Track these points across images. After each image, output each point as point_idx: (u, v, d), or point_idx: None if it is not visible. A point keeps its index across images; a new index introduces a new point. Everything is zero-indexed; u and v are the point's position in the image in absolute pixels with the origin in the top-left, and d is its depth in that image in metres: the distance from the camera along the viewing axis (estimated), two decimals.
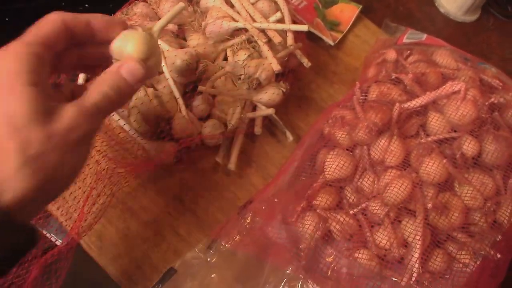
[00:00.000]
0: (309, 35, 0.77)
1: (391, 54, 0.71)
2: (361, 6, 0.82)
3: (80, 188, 0.59)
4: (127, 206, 0.62)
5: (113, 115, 0.65)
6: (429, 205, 0.58)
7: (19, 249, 0.36)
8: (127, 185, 0.62)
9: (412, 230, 0.58)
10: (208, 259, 0.53)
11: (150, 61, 0.42)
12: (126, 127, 0.64)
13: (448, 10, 0.90)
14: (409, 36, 0.75)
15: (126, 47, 0.42)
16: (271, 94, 0.65)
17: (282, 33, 0.67)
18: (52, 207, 0.60)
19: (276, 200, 0.58)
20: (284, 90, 0.65)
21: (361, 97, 0.65)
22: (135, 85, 0.41)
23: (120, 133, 0.63)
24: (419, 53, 0.71)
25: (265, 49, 0.64)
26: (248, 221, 0.56)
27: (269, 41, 0.66)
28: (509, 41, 0.90)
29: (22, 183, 0.33)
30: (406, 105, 0.64)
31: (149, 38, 0.43)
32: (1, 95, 0.34)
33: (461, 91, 0.62)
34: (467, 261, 0.61)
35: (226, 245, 0.54)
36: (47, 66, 0.38)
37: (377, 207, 0.60)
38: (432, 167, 0.59)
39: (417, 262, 0.57)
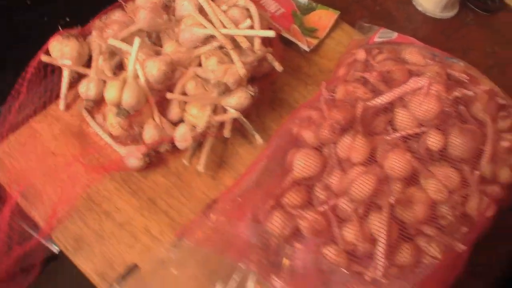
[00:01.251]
0: (285, 40, 0.79)
1: (361, 54, 0.72)
2: (339, 12, 0.83)
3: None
4: (103, 209, 0.65)
5: (90, 120, 0.68)
6: (392, 199, 0.59)
7: None
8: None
9: (378, 224, 0.59)
10: (171, 256, 0.55)
11: None
12: (100, 132, 0.67)
13: (425, 8, 0.91)
14: (380, 35, 0.76)
15: None
16: (239, 97, 0.67)
17: (253, 39, 0.69)
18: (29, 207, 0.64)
19: (240, 199, 0.60)
20: (253, 94, 0.67)
21: (329, 97, 0.67)
22: None
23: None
24: (389, 51, 0.71)
25: (232, 54, 0.66)
26: (212, 220, 0.58)
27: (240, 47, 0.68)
28: (489, 35, 0.90)
29: None
30: (371, 103, 0.65)
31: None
32: None
33: (424, 87, 0.63)
34: (436, 254, 0.62)
35: (190, 243, 0.56)
36: None
37: (345, 204, 0.62)
38: (395, 162, 0.60)
39: (382, 256, 0.58)
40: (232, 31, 0.67)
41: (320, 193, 0.64)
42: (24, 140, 0.68)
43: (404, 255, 0.59)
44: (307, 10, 0.82)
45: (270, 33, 0.66)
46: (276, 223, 0.60)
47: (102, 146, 0.68)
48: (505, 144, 0.63)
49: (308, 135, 0.64)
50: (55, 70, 0.70)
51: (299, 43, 0.78)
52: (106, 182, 0.66)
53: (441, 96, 0.62)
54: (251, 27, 0.69)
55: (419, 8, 0.91)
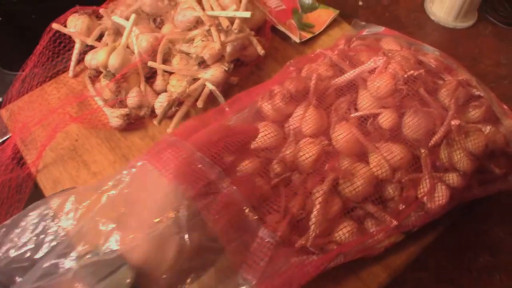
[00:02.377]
0: (282, 34, 0.84)
1: (340, 42, 0.74)
2: (338, 12, 0.86)
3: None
4: (83, 159, 0.73)
5: (89, 85, 0.78)
6: (330, 175, 0.59)
7: None
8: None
9: (317, 195, 0.59)
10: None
11: None
12: (94, 94, 0.76)
13: (438, 17, 0.90)
14: (368, 30, 0.78)
15: None
16: (213, 71, 0.72)
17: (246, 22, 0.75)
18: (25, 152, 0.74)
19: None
20: (226, 69, 0.72)
21: (293, 73, 0.69)
22: None
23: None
24: (369, 42, 0.73)
25: (212, 31, 0.73)
26: None
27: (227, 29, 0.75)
28: (507, 47, 0.86)
29: None
30: (333, 81, 0.66)
31: None
32: None
33: (380, 65, 0.63)
34: (373, 230, 0.60)
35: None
36: None
37: (296, 176, 0.63)
38: (340, 134, 0.61)
39: (313, 224, 0.57)
40: (215, 12, 0.74)
41: (275, 166, 0.66)
42: (34, 99, 0.79)
43: (344, 231, 0.59)
44: (309, 8, 0.86)
45: (247, 14, 0.72)
46: None
47: (95, 109, 0.76)
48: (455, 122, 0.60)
49: (267, 108, 0.67)
50: (72, 47, 0.81)
51: (291, 35, 0.82)
52: (91, 138, 0.74)
53: (396, 74, 0.62)
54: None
55: (432, 18, 0.90)
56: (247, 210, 0.49)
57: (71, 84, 0.80)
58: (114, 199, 0.49)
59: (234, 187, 0.48)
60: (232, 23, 0.74)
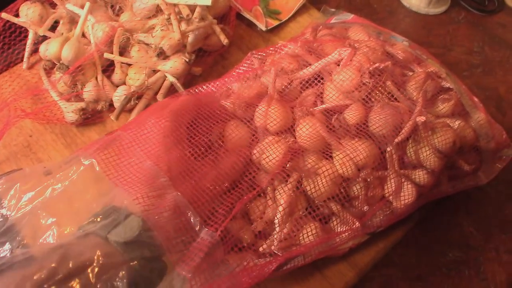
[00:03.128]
0: (247, 22, 0.80)
1: (307, 31, 0.71)
2: None
3: None
4: (37, 156, 0.69)
5: (43, 78, 0.74)
6: (294, 175, 0.56)
7: None
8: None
9: (280, 196, 0.56)
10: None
11: None
12: (49, 88, 0.72)
13: (410, 2, 0.87)
14: (337, 17, 0.74)
15: None
16: (174, 62, 0.69)
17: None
18: None
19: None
20: (187, 60, 0.69)
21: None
22: None
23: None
24: (337, 30, 0.70)
25: (172, 20, 0.69)
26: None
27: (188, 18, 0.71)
28: (480, 34, 0.84)
29: None
30: (297, 74, 0.63)
31: None
32: None
33: (345, 57, 0.61)
34: (338, 230, 0.58)
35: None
36: None
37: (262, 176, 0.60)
38: (303, 129, 0.58)
39: (279, 229, 0.55)
40: (174, 0, 0.70)
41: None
42: None
43: (308, 234, 0.56)
44: None
45: (207, 2, 0.68)
46: None
47: (50, 103, 0.72)
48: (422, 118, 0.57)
49: (229, 105, 0.63)
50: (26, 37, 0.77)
51: (257, 23, 0.79)
52: (46, 134, 0.71)
53: (362, 67, 0.59)
54: None
55: (404, 3, 0.87)
56: (189, 213, 0.47)
57: (25, 76, 0.76)
58: (57, 195, 0.49)
59: (178, 193, 0.46)
60: (192, 11, 0.70)
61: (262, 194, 0.57)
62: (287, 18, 0.80)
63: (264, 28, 0.79)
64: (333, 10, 0.78)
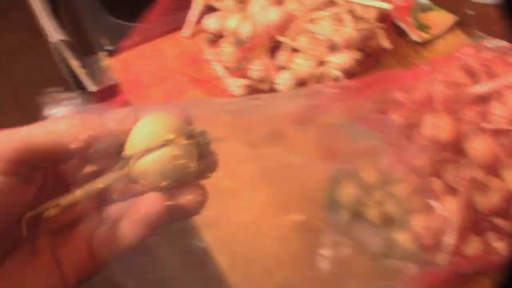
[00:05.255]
0: (397, 30, 0.83)
1: (467, 49, 0.73)
2: (457, 18, 0.85)
3: None
4: None
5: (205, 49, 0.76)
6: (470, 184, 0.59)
7: None
8: None
9: (453, 207, 0.59)
10: None
11: None
12: (212, 59, 0.74)
13: None
14: (489, 41, 0.77)
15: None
16: (343, 57, 0.71)
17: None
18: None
19: None
20: (358, 57, 0.72)
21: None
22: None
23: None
24: (498, 54, 0.72)
25: (346, 17, 0.72)
26: None
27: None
28: None
29: None
30: (469, 90, 0.66)
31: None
32: None
33: None
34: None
35: None
36: None
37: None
38: (480, 145, 0.61)
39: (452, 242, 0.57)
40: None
41: None
42: (147, 53, 0.77)
43: (474, 245, 0.59)
44: (425, 8, 0.86)
45: (387, 6, 0.71)
46: None
47: (209, 74, 0.75)
48: None
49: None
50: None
51: (412, 34, 0.82)
52: None
53: None
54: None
55: None
56: None
57: (186, 44, 0.78)
58: None
59: None
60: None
61: None
62: (439, 33, 0.83)
63: (419, 40, 0.81)
64: (480, 33, 0.81)
